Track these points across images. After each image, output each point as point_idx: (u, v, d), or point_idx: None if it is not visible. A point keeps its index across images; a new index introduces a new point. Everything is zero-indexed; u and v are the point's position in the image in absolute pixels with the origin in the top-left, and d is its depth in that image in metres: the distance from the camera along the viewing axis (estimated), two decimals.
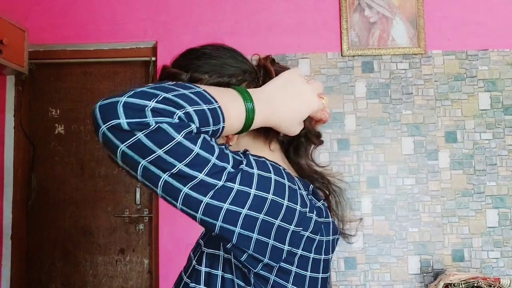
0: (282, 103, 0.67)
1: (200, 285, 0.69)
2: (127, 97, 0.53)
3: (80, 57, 2.71)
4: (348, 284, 2.47)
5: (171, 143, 0.53)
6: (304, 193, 0.68)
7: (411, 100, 2.56)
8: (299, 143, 0.80)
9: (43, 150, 2.73)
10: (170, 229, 2.50)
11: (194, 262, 0.72)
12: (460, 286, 2.09)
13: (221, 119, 0.59)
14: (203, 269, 0.70)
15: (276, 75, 0.73)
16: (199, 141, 0.55)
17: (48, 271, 2.69)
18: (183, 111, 0.54)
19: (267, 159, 0.65)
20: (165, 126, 0.53)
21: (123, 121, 0.52)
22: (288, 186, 0.64)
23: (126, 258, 2.67)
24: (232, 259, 0.66)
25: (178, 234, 2.45)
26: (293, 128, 0.69)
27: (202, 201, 0.56)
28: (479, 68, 2.56)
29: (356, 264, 2.49)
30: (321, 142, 0.81)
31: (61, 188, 2.72)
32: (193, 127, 0.55)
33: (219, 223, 0.58)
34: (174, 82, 0.59)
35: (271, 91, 0.67)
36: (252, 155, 0.63)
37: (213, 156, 0.56)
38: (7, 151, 2.67)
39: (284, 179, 0.64)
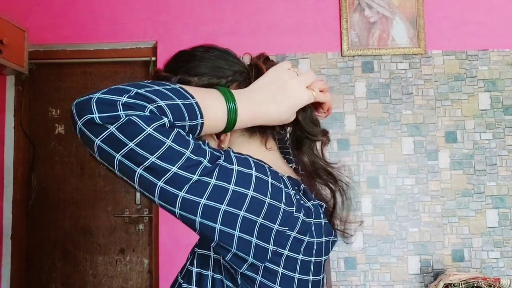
0: (267, 101, 0.67)
1: (192, 285, 0.69)
2: (101, 93, 0.56)
3: (80, 57, 2.71)
4: (348, 284, 2.47)
5: (141, 135, 0.54)
6: (292, 192, 0.66)
7: (411, 100, 2.56)
8: (301, 139, 0.78)
9: (43, 150, 2.73)
10: (170, 229, 2.50)
11: (188, 262, 0.73)
12: (460, 286, 2.09)
13: (199, 114, 0.59)
14: (195, 269, 0.70)
15: None
16: (172, 134, 0.55)
17: (48, 271, 2.69)
18: (155, 105, 0.55)
19: (251, 157, 0.64)
20: (135, 118, 0.54)
21: (95, 115, 0.54)
22: (271, 183, 0.63)
23: (126, 258, 2.67)
24: (221, 259, 0.66)
25: (178, 234, 2.45)
26: (282, 122, 0.70)
27: (178, 196, 0.56)
28: (479, 68, 2.56)
29: (356, 264, 2.49)
30: (326, 140, 0.78)
31: (61, 188, 2.72)
32: (165, 120, 0.55)
33: (198, 219, 0.57)
34: (150, 80, 0.59)
35: (256, 90, 0.68)
36: (234, 152, 0.62)
37: (187, 149, 0.56)
38: (7, 151, 2.67)
39: (267, 176, 0.63)
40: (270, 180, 0.63)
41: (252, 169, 0.61)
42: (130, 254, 2.68)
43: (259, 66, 0.75)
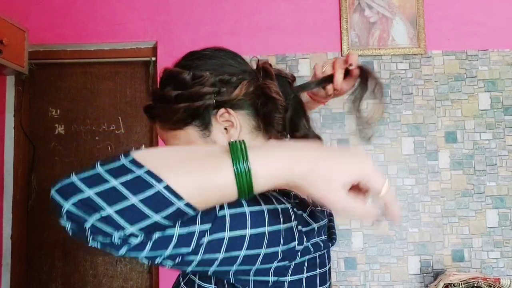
0: (320, 153, 0.54)
1: None
2: (68, 208, 0.50)
3: (80, 57, 2.70)
4: (348, 284, 2.47)
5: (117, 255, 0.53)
6: (294, 224, 0.64)
7: (411, 100, 2.56)
8: (297, 120, 0.79)
9: (43, 150, 2.73)
10: None
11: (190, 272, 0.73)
12: (460, 287, 2.09)
13: (171, 199, 0.50)
14: (197, 281, 0.69)
15: (276, 77, 0.74)
16: (148, 244, 0.52)
17: (48, 271, 2.69)
18: (124, 232, 0.50)
19: (250, 206, 0.60)
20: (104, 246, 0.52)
21: (68, 228, 0.52)
22: (269, 232, 0.60)
23: (126, 258, 2.67)
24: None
25: None
26: (331, 192, 0.54)
27: (169, 265, 0.57)
28: (479, 68, 2.56)
29: (356, 264, 2.49)
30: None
31: None
32: (139, 239, 0.51)
33: (192, 269, 0.59)
34: (143, 170, 0.50)
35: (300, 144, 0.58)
36: (230, 208, 0.57)
37: (166, 249, 0.53)
38: (7, 151, 2.67)
39: (265, 227, 0.60)
40: (267, 230, 0.60)
41: (243, 207, 0.58)
42: None
43: (267, 69, 0.76)
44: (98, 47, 2.68)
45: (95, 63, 2.73)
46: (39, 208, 2.71)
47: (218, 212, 0.56)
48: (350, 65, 0.80)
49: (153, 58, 2.66)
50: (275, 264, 0.61)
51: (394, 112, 2.55)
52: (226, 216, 0.56)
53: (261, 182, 0.52)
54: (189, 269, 0.58)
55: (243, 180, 0.51)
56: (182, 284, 0.73)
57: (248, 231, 0.57)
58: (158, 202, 0.49)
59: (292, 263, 0.64)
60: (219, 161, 0.52)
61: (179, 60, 0.78)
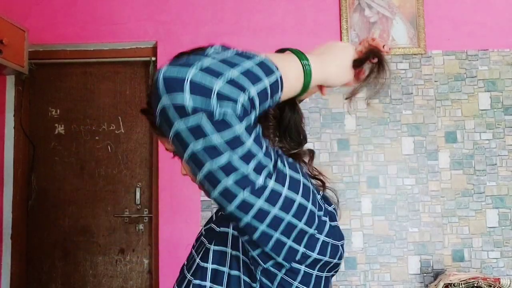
0: (329, 58, 0.70)
1: (205, 281, 0.70)
2: (193, 75, 0.51)
3: (80, 57, 2.71)
4: (348, 284, 2.47)
5: (231, 135, 0.52)
6: (318, 196, 0.68)
7: (411, 100, 2.56)
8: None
9: (43, 150, 2.73)
10: (170, 229, 2.50)
11: (197, 260, 0.72)
12: (460, 286, 2.09)
13: (280, 89, 0.59)
14: (210, 266, 0.70)
15: None
16: (253, 134, 0.55)
17: (48, 271, 2.69)
18: (247, 97, 0.53)
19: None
20: (229, 117, 0.51)
21: (188, 104, 0.51)
22: (312, 189, 0.64)
23: (126, 258, 2.67)
24: (241, 255, 0.67)
25: (178, 234, 2.45)
26: (344, 76, 0.72)
27: (238, 196, 0.56)
28: (479, 68, 2.56)
29: (356, 264, 2.49)
30: (311, 156, 0.80)
31: (61, 188, 2.72)
32: (253, 116, 0.54)
33: (246, 219, 0.58)
34: (235, 50, 0.57)
35: (315, 52, 0.71)
36: (290, 169, 0.63)
37: (261, 150, 0.56)
38: (7, 151, 2.67)
39: (308, 181, 0.64)
40: (310, 185, 0.65)
41: (299, 174, 0.63)
42: (130, 254, 2.68)
43: None
44: (98, 47, 2.68)
45: (95, 63, 2.73)
46: (39, 208, 2.71)
47: (281, 167, 0.60)
48: (390, 48, 0.81)
49: (153, 58, 2.66)
50: (311, 231, 0.63)
51: (394, 112, 2.55)
52: (287, 173, 0.60)
53: (313, 80, 0.66)
54: (249, 214, 0.57)
55: (307, 78, 0.64)
56: (188, 276, 0.72)
57: (298, 198, 0.60)
58: (275, 88, 0.58)
59: (321, 237, 0.65)
60: (296, 60, 0.64)
61: (169, 62, 0.77)
